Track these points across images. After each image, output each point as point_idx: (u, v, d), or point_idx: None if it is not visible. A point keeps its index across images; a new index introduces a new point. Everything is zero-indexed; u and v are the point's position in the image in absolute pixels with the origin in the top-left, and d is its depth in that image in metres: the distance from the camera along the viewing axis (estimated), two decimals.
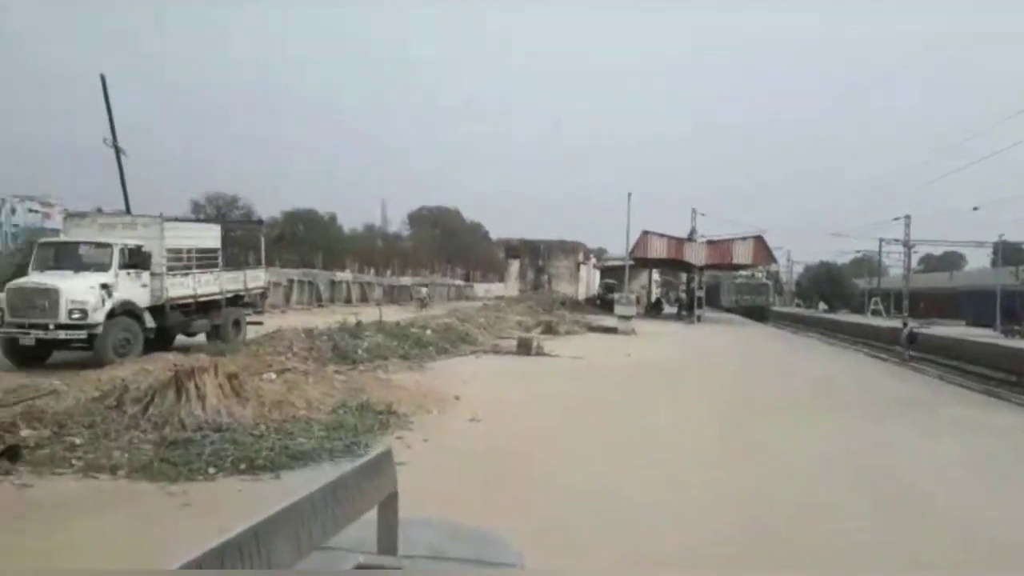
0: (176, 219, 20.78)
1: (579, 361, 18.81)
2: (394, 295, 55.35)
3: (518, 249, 53.79)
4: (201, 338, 21.45)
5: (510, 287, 51.94)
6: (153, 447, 8.11)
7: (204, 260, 21.33)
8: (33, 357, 17.23)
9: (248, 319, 23.49)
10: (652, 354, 21.51)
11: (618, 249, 66.99)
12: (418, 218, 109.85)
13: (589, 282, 56.07)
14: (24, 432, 7.90)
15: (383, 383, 12.15)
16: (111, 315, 17.26)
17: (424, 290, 51.30)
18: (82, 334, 16.69)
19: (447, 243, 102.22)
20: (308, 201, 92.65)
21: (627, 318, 31.07)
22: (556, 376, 16.37)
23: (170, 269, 19.62)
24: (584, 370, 17.53)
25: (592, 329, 30.47)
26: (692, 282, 50.99)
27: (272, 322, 23.32)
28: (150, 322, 18.71)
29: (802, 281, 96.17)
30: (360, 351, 16.70)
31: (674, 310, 52.96)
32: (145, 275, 18.74)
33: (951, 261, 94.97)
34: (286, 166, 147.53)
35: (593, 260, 58.20)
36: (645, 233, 42.62)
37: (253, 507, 5.60)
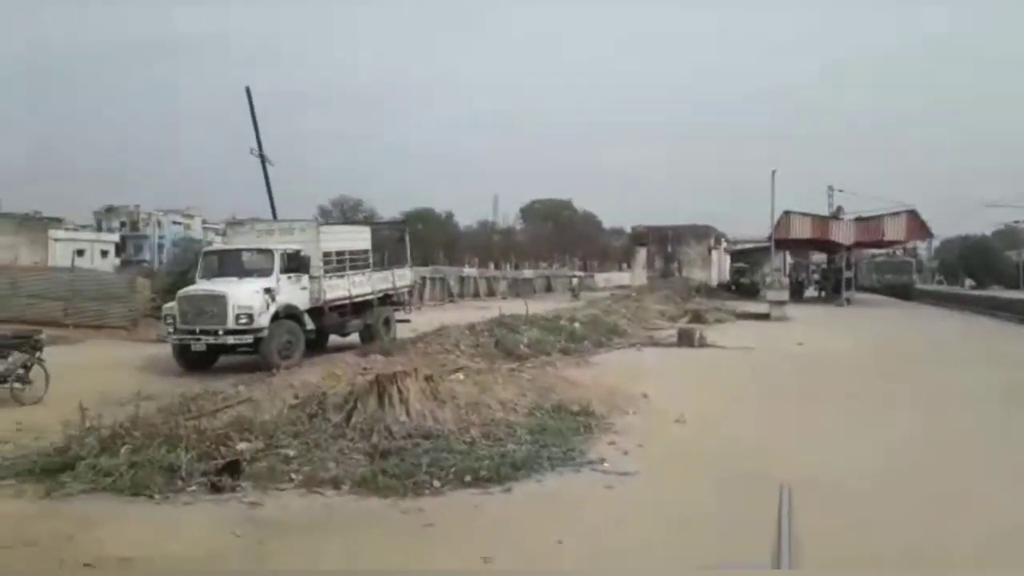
0: (329, 223, 20.86)
1: (750, 352, 17.59)
2: (518, 288, 55.08)
3: (645, 236, 52.20)
4: (354, 338, 21.46)
5: (637, 275, 50.52)
6: (365, 457, 7.71)
7: (356, 261, 21.44)
8: (202, 362, 17.70)
9: (397, 318, 23.50)
10: (823, 342, 19.96)
11: (745, 231, 64.37)
12: (530, 211, 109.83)
13: (721, 267, 53.88)
14: (240, 445, 7.67)
15: (567, 382, 11.48)
16: (274, 318, 17.45)
17: (575, 280, 50.86)
18: (249, 338, 16.95)
19: (560, 235, 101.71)
20: (424, 200, 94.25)
21: (780, 303, 29.35)
22: (735, 369, 15.32)
23: (326, 272, 19.72)
24: (762, 362, 16.37)
25: (741, 316, 28.94)
26: (833, 263, 48.18)
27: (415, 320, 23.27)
28: (310, 324, 18.87)
29: (945, 257, 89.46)
30: (522, 346, 16.17)
31: (814, 293, 50.10)
32: (304, 278, 18.91)
33: None
34: (400, 166, 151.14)
35: (724, 244, 55.93)
36: (786, 213, 40.36)
37: (496, 527, 4.98)
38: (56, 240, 53.23)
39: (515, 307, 22.80)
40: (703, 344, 18.66)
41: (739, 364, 16.16)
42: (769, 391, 12.73)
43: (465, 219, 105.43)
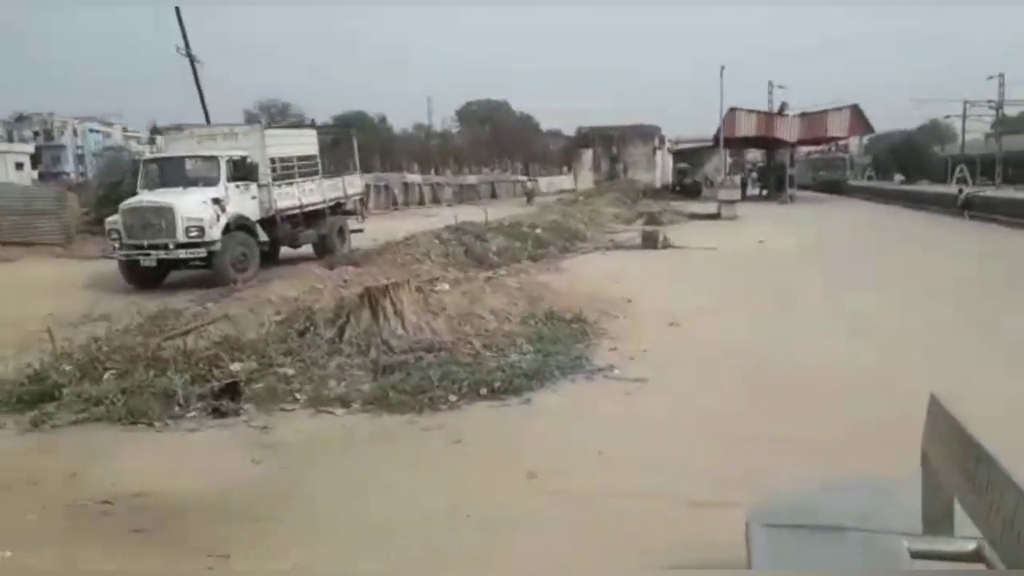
0: (276, 127, 19.73)
1: (714, 252, 17.64)
2: (463, 195, 54.26)
3: (589, 138, 51.35)
4: (307, 250, 20.73)
5: (583, 179, 49.97)
6: (366, 373, 7.39)
7: (305, 168, 20.48)
8: (152, 279, 16.86)
9: (350, 227, 22.79)
10: (781, 239, 20.19)
11: (683, 131, 64.26)
12: (466, 114, 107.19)
13: (664, 168, 53.76)
14: (234, 366, 7.23)
15: (551, 289, 11.24)
16: (226, 230, 16.64)
17: (530, 185, 50.23)
18: (202, 252, 16.15)
19: (498, 138, 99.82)
20: (354, 104, 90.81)
21: (731, 203, 29.53)
22: (705, 270, 15.38)
23: (275, 179, 18.79)
24: (728, 261, 16.43)
25: (692, 217, 29.05)
26: (773, 160, 48.68)
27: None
28: (263, 236, 18.12)
29: (876, 153, 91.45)
30: (491, 254, 15.83)
31: (755, 191, 50.75)
32: (253, 187, 18.01)
33: None
34: (328, 70, 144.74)
35: (667, 144, 55.67)
36: (732, 110, 40.20)
37: (527, 440, 4.77)
38: None
39: (464, 214, 22.36)
40: (667, 246, 18.63)
41: (707, 264, 16.20)
42: (745, 289, 12.78)
43: (399, 123, 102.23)
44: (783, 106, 41.51)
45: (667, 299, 11.35)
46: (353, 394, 6.85)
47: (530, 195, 45.66)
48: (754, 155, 74.32)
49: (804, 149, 61.27)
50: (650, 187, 46.35)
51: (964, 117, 76.24)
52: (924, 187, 53.08)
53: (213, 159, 17.36)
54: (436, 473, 5.11)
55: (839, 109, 40.15)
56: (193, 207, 16.27)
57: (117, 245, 16.44)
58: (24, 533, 4.29)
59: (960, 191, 32.59)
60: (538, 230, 20.57)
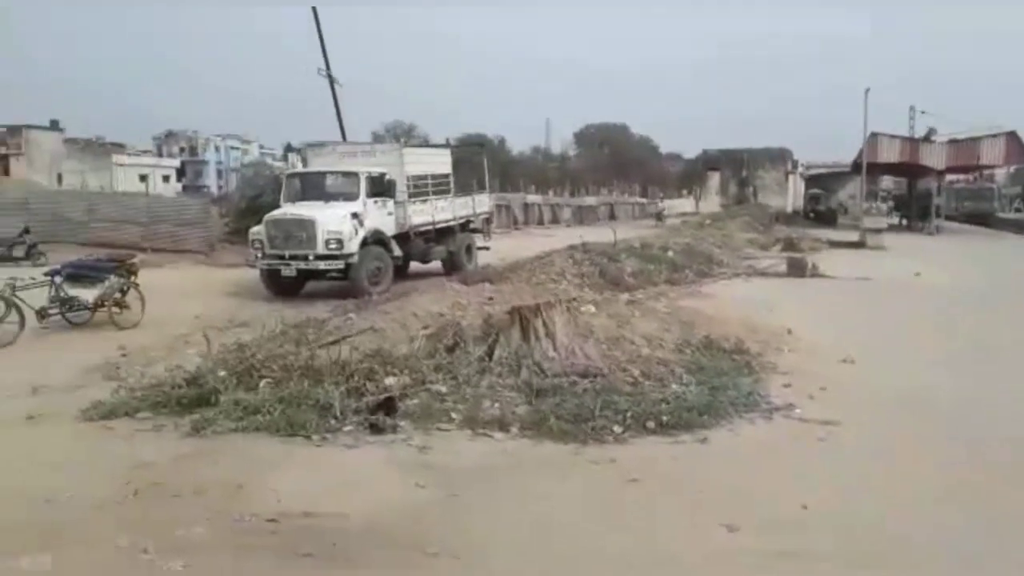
0: (413, 146, 19.99)
1: (868, 283, 16.37)
2: (582, 215, 53.85)
3: (718, 160, 49.88)
4: (434, 265, 20.75)
5: (709, 202, 48.59)
6: (519, 395, 7.00)
7: (439, 186, 20.62)
8: (290, 288, 17.27)
9: (477, 245, 22.77)
10: (938, 274, 18.57)
11: (813, 156, 61.50)
12: (585, 137, 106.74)
13: (795, 194, 51.51)
14: (388, 380, 7.01)
15: (702, 315, 10.56)
16: (363, 244, 16.84)
17: (661, 204, 49.56)
18: (340, 264, 16.41)
19: (616, 160, 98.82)
20: (473, 128, 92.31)
21: (877, 231, 27.73)
22: (862, 301, 14.24)
23: (410, 196, 18.94)
24: (886, 294, 15.18)
25: (835, 245, 27.41)
26: (915, 188, 45.74)
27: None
28: (397, 251, 18.25)
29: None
30: (626, 276, 15.27)
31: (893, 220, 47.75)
32: (390, 203, 18.21)
33: None
34: (451, 93, 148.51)
35: (800, 169, 53.32)
36: (875, 135, 37.93)
37: (714, 485, 4.04)
38: (119, 165, 53.53)
39: (586, 234, 21.79)
40: (815, 274, 17.48)
41: (864, 295, 15.00)
42: (915, 325, 11.67)
43: (518, 145, 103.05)
44: (930, 131, 38.86)
45: (830, 332, 10.46)
46: (509, 417, 6.47)
47: (659, 215, 44.82)
48: (887, 183, 70.32)
49: (948, 177, 57.40)
50: (781, 212, 44.43)
51: None
52: None
53: (354, 175, 17.67)
54: (618, 515, 4.62)
55: (994, 136, 37.18)
56: (333, 221, 16.56)
57: (260, 255, 16.92)
58: (194, 547, 4.10)
59: None
60: (670, 252, 19.80)
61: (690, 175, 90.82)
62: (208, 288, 18.14)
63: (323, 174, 18.35)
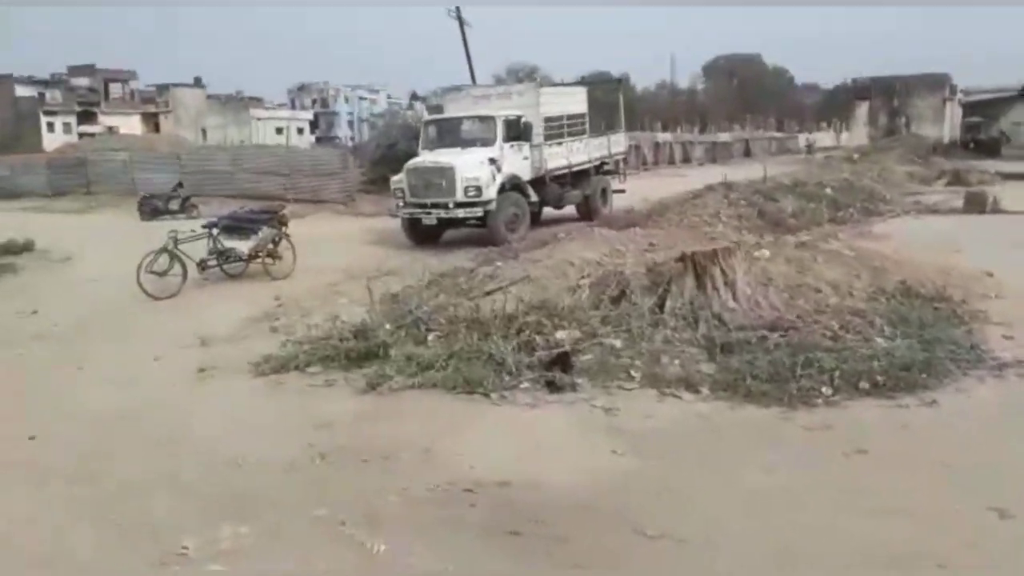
0: (549, 85, 19.30)
1: None
2: (715, 153, 51.46)
3: (867, 89, 45.98)
4: (569, 210, 20.13)
5: (857, 134, 45.08)
6: (699, 351, 6.43)
7: (574, 127, 19.88)
8: (431, 236, 17.18)
9: (613, 187, 21.95)
10: None
11: (971, 80, 55.73)
12: (714, 69, 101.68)
13: (953, 123, 47.00)
14: (559, 334, 6.61)
15: (889, 258, 9.51)
16: (500, 190, 16.44)
17: (812, 137, 46.97)
18: (478, 211, 16.07)
19: (747, 93, 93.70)
20: (595, 64, 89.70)
21: None
22: None
23: (546, 139, 18.33)
24: None
25: (1008, 177, 24.68)
26: None
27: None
28: (533, 196, 17.77)
29: None
30: (787, 215, 14.17)
31: None
32: (526, 147, 17.65)
33: None
34: (570, 29, 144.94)
35: (959, 95, 48.51)
36: None
37: (958, 454, 3.22)
38: (257, 119, 55.62)
39: (724, 173, 20.39)
40: (996, 210, 15.69)
41: None
42: None
43: (642, 82, 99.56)
44: None
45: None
46: (695, 376, 5.93)
47: (810, 148, 42.10)
48: None
49: None
50: (939, 143, 40.67)
51: None
52: None
53: (490, 119, 17.20)
54: (856, 494, 4.01)
55: None
56: (471, 167, 16.23)
57: (401, 203, 16.89)
58: (393, 519, 3.86)
59: None
60: (828, 190, 18.32)
61: (832, 106, 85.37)
62: (351, 238, 18.37)
63: (460, 119, 17.99)
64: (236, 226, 13.17)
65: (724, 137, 56.45)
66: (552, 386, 5.75)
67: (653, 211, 14.61)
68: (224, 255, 12.85)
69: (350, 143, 54.20)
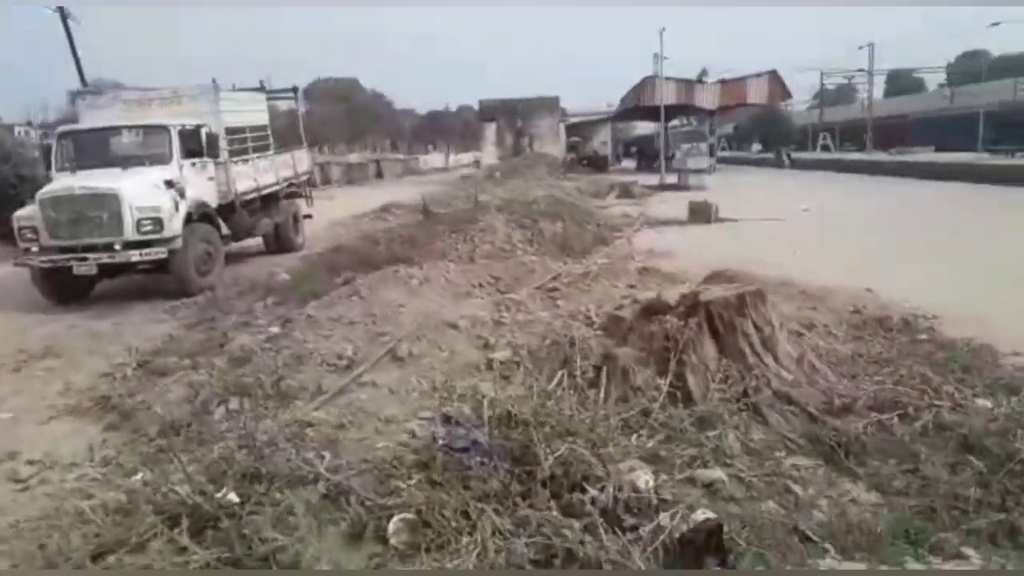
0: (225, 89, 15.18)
1: (777, 224, 15.16)
2: (351, 174, 49.61)
3: (494, 110, 47.81)
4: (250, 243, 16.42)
5: (487, 153, 46.60)
6: (814, 463, 4.13)
7: (258, 142, 16.18)
8: (79, 290, 12.26)
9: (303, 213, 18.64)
10: (818, 205, 18.11)
11: (577, 103, 62.28)
12: (314, 92, 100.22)
13: (564, 142, 51.52)
14: (632, 476, 3.66)
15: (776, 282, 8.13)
16: (186, 222, 12.30)
17: (476, 155, 47.06)
18: (162, 252, 11.75)
19: (354, 117, 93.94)
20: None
21: (700, 172, 27.40)
22: (814, 240, 13.04)
23: (231, 154, 14.47)
24: (814, 230, 14.10)
25: (657, 189, 26.63)
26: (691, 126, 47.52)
27: None
28: (224, 228, 13.82)
29: (739, 123, 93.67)
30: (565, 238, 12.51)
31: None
32: (211, 165, 13.66)
33: (845, 93, 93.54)
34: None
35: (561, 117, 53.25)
36: (652, 78, 38.35)
37: None
38: None
39: (377, 195, 18.68)
40: (718, 219, 15.96)
41: (804, 234, 13.75)
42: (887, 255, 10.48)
43: None
44: (703, 72, 40.23)
45: (906, 281, 8.67)
46: (869, 522, 3.55)
47: (477, 163, 42.40)
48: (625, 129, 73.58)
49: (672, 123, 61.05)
50: (566, 160, 43.82)
51: (822, 87, 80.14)
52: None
53: (161, 130, 12.86)
54: None
55: (758, 75, 39.28)
56: (145, 193, 11.84)
57: (35, 247, 11.66)
58: None
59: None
60: (541, 206, 17.32)
61: (438, 129, 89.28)
62: None
63: (113, 130, 13.14)
64: None
65: (355, 158, 54.79)
66: None
67: (426, 239, 11.77)
68: None
69: None
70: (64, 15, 21.29)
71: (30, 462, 5.40)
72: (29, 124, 50.61)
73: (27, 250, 11.74)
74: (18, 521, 4.39)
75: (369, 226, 19.78)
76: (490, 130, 47.48)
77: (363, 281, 8.11)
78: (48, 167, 12.96)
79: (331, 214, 21.66)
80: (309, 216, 18.92)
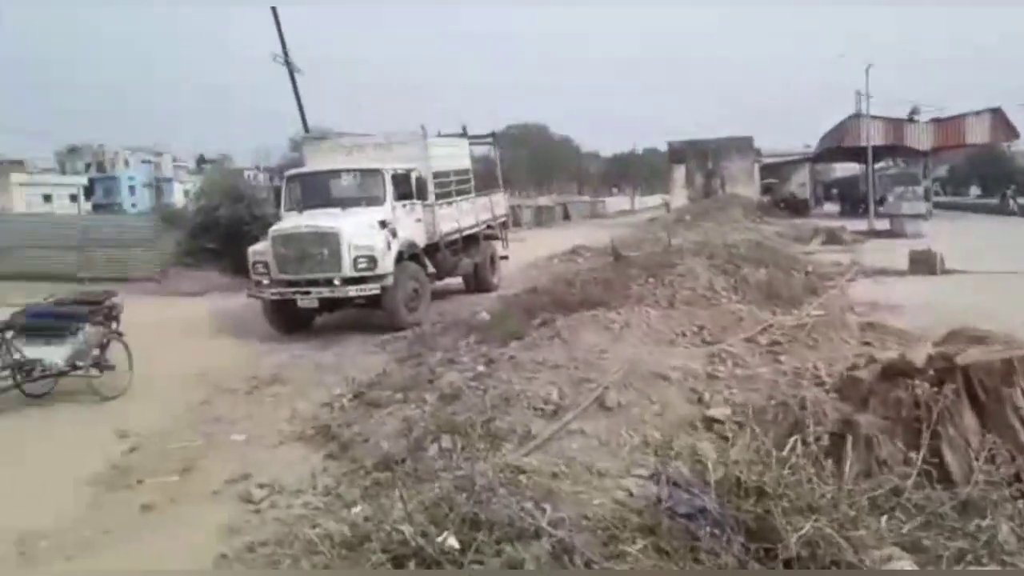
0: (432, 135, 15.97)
1: (1018, 278, 13.44)
2: (541, 217, 50.59)
3: (683, 152, 47.18)
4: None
5: (676, 196, 45.85)
6: None
7: (461, 185, 16.86)
8: (301, 322, 13.27)
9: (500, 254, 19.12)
10: None
11: (769, 142, 60.07)
12: (503, 137, 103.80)
13: (759, 183, 49.61)
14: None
15: None
16: (397, 260, 12.95)
17: (668, 197, 47.85)
18: (375, 288, 12.45)
19: (538, 161, 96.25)
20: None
21: (916, 217, 25.31)
22: None
23: (436, 197, 15.10)
24: None
25: (869, 235, 24.80)
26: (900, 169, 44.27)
27: None
28: (430, 267, 14.41)
29: (954, 164, 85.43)
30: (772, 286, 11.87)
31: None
32: (419, 208, 14.35)
33: None
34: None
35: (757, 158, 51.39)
36: (857, 116, 36.12)
37: None
38: (20, 184, 46.91)
39: (565, 237, 18.46)
40: (946, 271, 14.51)
41: None
42: None
43: None
44: (913, 110, 37.25)
45: None
46: None
47: (667, 205, 42.43)
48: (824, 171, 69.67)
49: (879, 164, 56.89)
50: (761, 202, 42.17)
51: None
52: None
53: (376, 173, 13.75)
54: None
55: (978, 113, 35.85)
56: (362, 232, 12.64)
57: (265, 280, 12.77)
58: None
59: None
60: (741, 250, 16.55)
61: (618, 172, 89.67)
62: (189, 327, 13.80)
63: (334, 174, 14.25)
64: (41, 325, 8.63)
65: (544, 201, 56.01)
66: None
67: (614, 282, 11.63)
68: (24, 368, 8.29)
69: (133, 208, 47.07)
70: (291, 68, 23.53)
71: (261, 485, 5.76)
72: (256, 168, 56.59)
73: (259, 283, 12.90)
74: (253, 543, 4.67)
75: (561, 268, 20.00)
76: (679, 172, 46.68)
77: (562, 323, 8.07)
78: (277, 206, 14.25)
79: (523, 255, 22.08)
80: (505, 257, 19.41)
